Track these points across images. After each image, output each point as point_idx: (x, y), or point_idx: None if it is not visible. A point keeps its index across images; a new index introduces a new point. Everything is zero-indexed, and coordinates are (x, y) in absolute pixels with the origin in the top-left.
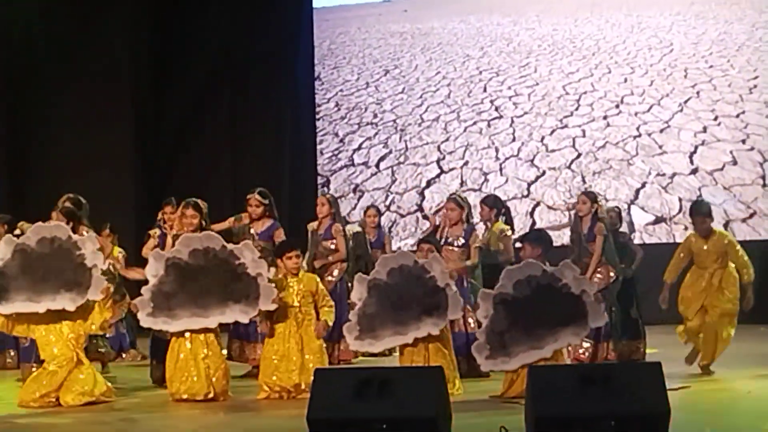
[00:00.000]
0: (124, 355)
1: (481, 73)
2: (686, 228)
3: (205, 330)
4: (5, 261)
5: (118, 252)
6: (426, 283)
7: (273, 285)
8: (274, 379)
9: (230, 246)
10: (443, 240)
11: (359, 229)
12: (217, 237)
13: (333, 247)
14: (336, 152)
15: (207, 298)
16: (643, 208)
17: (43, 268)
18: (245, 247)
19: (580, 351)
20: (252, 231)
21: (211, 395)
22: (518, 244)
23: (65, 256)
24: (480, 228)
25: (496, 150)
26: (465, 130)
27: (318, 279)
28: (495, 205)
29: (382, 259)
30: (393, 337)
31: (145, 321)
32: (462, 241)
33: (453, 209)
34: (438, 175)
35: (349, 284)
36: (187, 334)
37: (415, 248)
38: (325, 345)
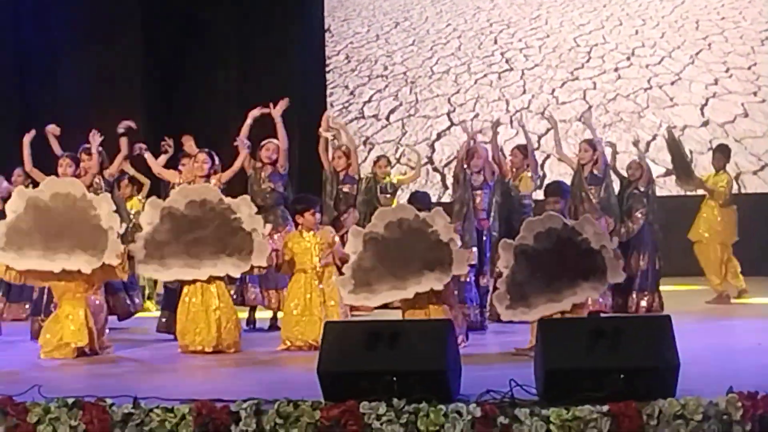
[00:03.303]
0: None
1: (491, 25)
2: None
3: (212, 280)
4: (18, 214)
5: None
6: (428, 237)
7: (267, 241)
8: (296, 333)
9: (228, 200)
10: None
11: (370, 174)
12: (215, 190)
13: (354, 193)
14: (346, 105)
15: (200, 250)
16: (653, 161)
17: (57, 224)
18: (242, 201)
19: (604, 304)
20: (262, 175)
21: (220, 347)
22: (545, 197)
23: (80, 215)
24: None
25: (507, 102)
26: (475, 83)
27: (333, 231)
28: (526, 153)
29: (379, 211)
30: (391, 291)
31: (136, 267)
32: (480, 182)
33: (482, 158)
34: (448, 128)
35: None
36: (199, 285)
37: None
38: None
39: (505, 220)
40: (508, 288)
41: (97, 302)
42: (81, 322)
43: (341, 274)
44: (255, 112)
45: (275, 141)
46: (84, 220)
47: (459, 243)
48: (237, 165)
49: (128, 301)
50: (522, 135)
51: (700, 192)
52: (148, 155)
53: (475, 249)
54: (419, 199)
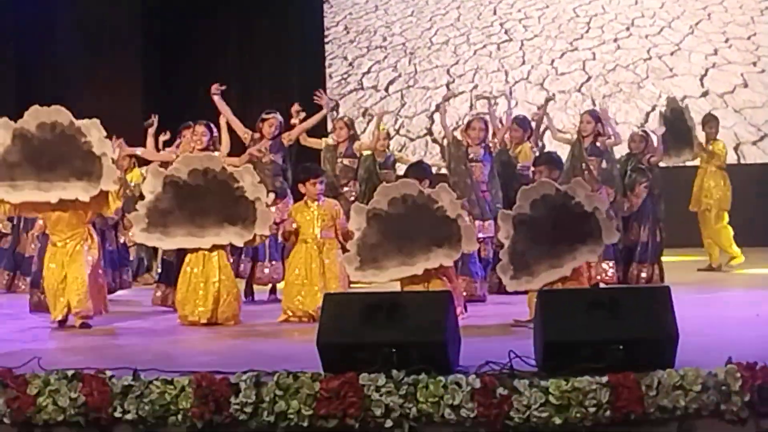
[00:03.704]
0: (135, 281)
1: None
2: None
3: (214, 249)
4: (6, 147)
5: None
6: (434, 213)
7: (270, 210)
8: (296, 303)
9: (230, 169)
10: (469, 157)
11: (369, 152)
12: (217, 158)
13: (354, 166)
14: (345, 76)
15: (203, 218)
16: (653, 132)
17: (47, 155)
18: (245, 170)
19: (607, 274)
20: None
21: (215, 320)
22: (532, 168)
23: (70, 143)
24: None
25: (506, 73)
26: (474, 54)
27: (338, 205)
28: (526, 126)
29: (382, 187)
30: (399, 267)
31: (138, 236)
32: (481, 156)
33: (483, 129)
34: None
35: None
36: (201, 255)
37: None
38: None
39: (504, 191)
40: (510, 258)
41: (91, 261)
42: (86, 289)
43: (343, 248)
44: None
45: (278, 116)
46: (75, 148)
47: (467, 219)
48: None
49: (111, 279)
50: (521, 107)
51: (689, 163)
52: (141, 150)
53: (491, 221)
54: (423, 169)
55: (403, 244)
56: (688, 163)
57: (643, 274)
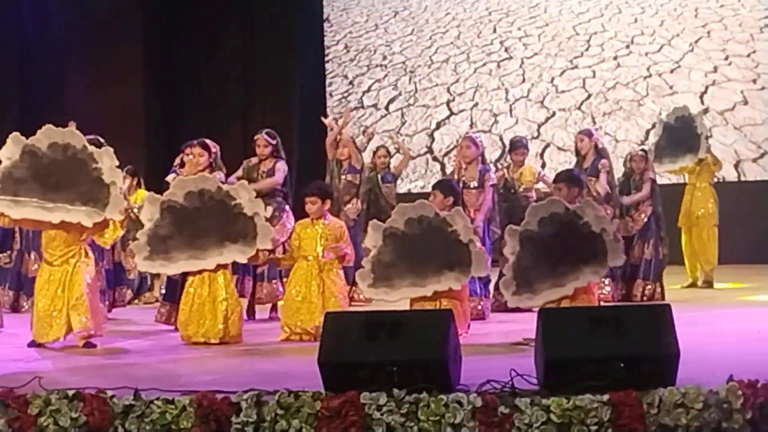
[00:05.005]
0: (137, 300)
1: (490, 13)
2: None
3: (218, 269)
4: (13, 162)
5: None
6: (448, 236)
7: (270, 224)
8: (296, 321)
9: (226, 187)
10: (460, 182)
11: (371, 167)
12: (211, 179)
13: (357, 182)
14: (345, 94)
15: (204, 240)
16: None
17: (55, 175)
18: (241, 187)
19: (604, 292)
20: (260, 170)
21: (227, 338)
22: (543, 186)
23: (80, 168)
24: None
25: (506, 91)
26: (475, 72)
27: (344, 226)
28: (526, 148)
29: (400, 207)
30: (410, 288)
31: (142, 265)
32: (476, 183)
33: (469, 147)
34: (448, 117)
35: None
36: (206, 276)
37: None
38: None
39: (507, 215)
40: (514, 274)
41: (90, 279)
42: (88, 309)
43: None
44: None
45: (267, 136)
46: (84, 173)
47: (478, 245)
48: None
49: (107, 297)
50: (521, 125)
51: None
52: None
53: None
54: (451, 187)
55: (416, 265)
56: (680, 180)
57: (645, 292)
